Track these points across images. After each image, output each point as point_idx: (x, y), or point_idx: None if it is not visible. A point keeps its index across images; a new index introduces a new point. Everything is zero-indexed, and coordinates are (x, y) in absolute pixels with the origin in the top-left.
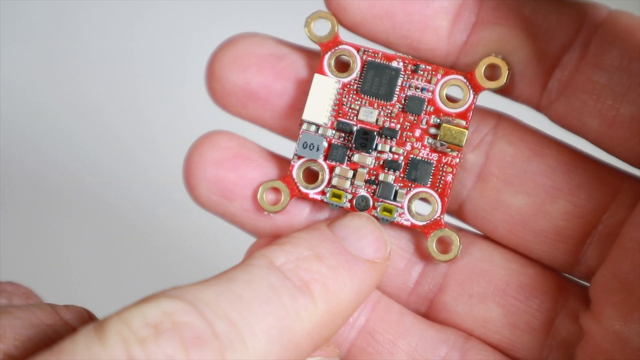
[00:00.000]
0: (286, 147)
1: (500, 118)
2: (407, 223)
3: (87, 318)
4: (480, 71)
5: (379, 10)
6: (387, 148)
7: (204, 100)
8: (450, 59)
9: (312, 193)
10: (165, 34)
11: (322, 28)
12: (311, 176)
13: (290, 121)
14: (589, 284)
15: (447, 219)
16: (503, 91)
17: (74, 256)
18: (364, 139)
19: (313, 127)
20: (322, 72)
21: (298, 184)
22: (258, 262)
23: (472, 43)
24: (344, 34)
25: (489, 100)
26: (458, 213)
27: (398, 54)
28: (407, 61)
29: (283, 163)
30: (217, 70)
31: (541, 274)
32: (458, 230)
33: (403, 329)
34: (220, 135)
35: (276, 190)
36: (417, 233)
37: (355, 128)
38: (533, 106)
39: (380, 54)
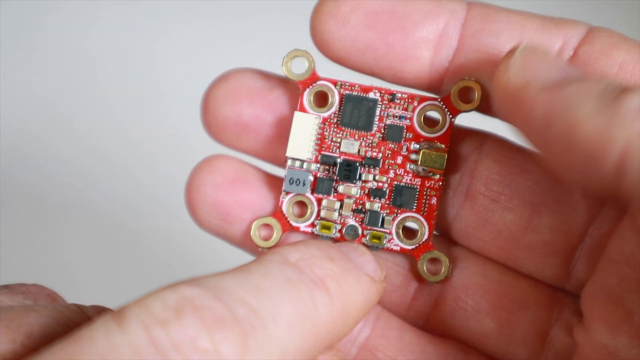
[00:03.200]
0: (282, 170)
1: (485, 137)
2: (397, 248)
3: (53, 298)
4: (455, 95)
5: (360, 44)
6: (371, 177)
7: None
8: (434, 86)
9: (303, 226)
10: (170, 51)
11: (300, 66)
12: (304, 207)
13: (282, 150)
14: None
15: (438, 239)
16: (490, 111)
17: (77, 261)
18: (347, 170)
19: (297, 163)
20: (302, 109)
21: (289, 219)
22: (273, 258)
23: (453, 71)
24: (323, 68)
25: (475, 119)
26: (448, 233)
27: (374, 85)
28: (383, 91)
29: (280, 185)
30: (211, 105)
31: (534, 287)
32: (452, 244)
33: (403, 345)
34: (218, 160)
35: (269, 226)
36: (407, 256)
37: (338, 160)
38: None
39: (357, 86)
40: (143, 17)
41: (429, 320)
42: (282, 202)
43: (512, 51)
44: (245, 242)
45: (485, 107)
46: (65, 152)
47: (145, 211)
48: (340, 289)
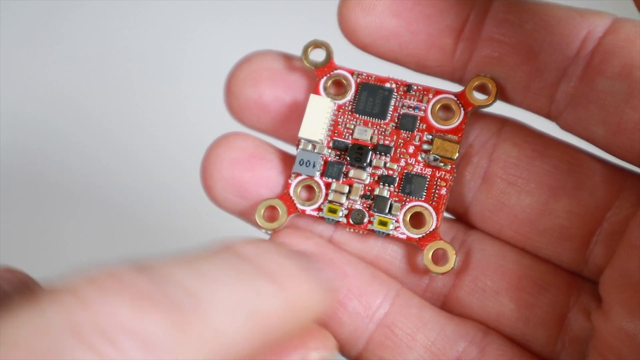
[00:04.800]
0: None
1: (504, 122)
2: (403, 236)
3: (24, 283)
4: (470, 90)
5: (385, 31)
6: (382, 163)
7: (221, 102)
8: (457, 75)
9: (309, 210)
10: (184, 35)
11: (319, 55)
12: (312, 191)
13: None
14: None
15: (454, 223)
16: (514, 101)
17: (85, 249)
18: (359, 154)
19: (310, 146)
20: (317, 94)
21: (295, 202)
22: (224, 250)
23: (476, 60)
24: (342, 60)
25: (497, 106)
26: (465, 216)
27: (390, 76)
28: (399, 83)
29: None
30: (233, 87)
31: (554, 270)
32: (468, 229)
33: (422, 322)
34: (236, 137)
35: (275, 208)
36: (414, 245)
37: (350, 145)
38: (544, 116)
39: (374, 76)
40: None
41: (446, 301)
42: (289, 184)
43: None
44: None
45: (516, 99)
46: (82, 136)
47: (160, 201)
48: (292, 286)
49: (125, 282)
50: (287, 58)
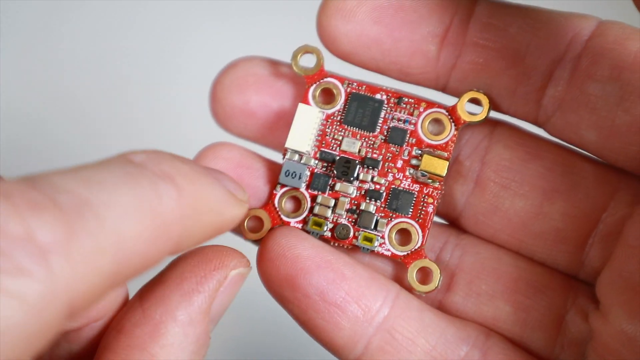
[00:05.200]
0: None
1: (495, 124)
2: (388, 253)
3: None
4: (462, 105)
5: (366, 39)
6: (369, 178)
7: (208, 112)
8: (441, 82)
9: (293, 222)
10: (183, 37)
11: (308, 61)
12: (297, 202)
13: (286, 138)
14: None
15: (447, 228)
16: (501, 108)
17: None
18: (346, 167)
19: (296, 156)
20: (306, 103)
21: (280, 213)
22: (113, 157)
23: (461, 66)
24: (332, 66)
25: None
26: (458, 221)
27: (382, 86)
28: (390, 94)
29: None
30: (219, 94)
31: (549, 272)
32: (461, 233)
33: (422, 326)
34: (222, 147)
35: (259, 218)
36: (398, 263)
37: (337, 157)
38: (531, 122)
39: (365, 86)
40: (154, 8)
41: (441, 305)
42: (274, 195)
43: None
44: None
45: (502, 107)
46: (73, 142)
47: None
48: (189, 185)
49: (9, 193)
50: (274, 64)
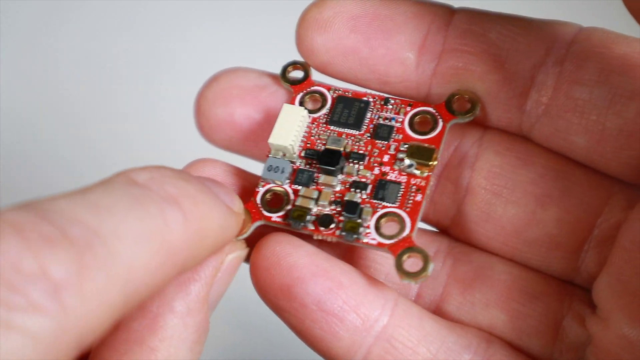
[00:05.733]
0: None
1: (484, 129)
2: (374, 242)
3: None
4: (449, 103)
5: (343, 48)
6: (355, 171)
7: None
8: (422, 90)
9: (275, 216)
10: (180, 41)
11: (297, 74)
12: (279, 199)
13: None
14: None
15: (438, 236)
16: (481, 124)
17: None
18: (329, 157)
19: (280, 154)
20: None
21: (262, 209)
22: (117, 178)
23: (441, 72)
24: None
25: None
26: (449, 229)
27: (368, 91)
28: (376, 97)
29: None
30: (203, 107)
31: (544, 279)
32: (453, 241)
33: (423, 334)
34: (204, 164)
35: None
36: (385, 252)
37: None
38: (514, 131)
39: (351, 92)
40: (143, 16)
41: (435, 314)
42: (257, 192)
43: None
44: None
45: (483, 119)
46: (61, 151)
47: None
48: (194, 208)
49: (21, 228)
50: (258, 74)
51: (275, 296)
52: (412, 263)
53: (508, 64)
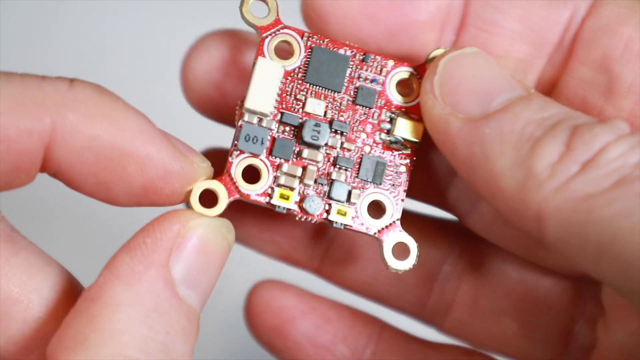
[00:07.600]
0: None
1: None
2: (362, 227)
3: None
4: (431, 63)
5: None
6: (338, 144)
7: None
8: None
9: (254, 195)
10: (170, 48)
11: (260, 10)
12: (256, 172)
13: None
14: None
15: (456, 225)
16: None
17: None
18: (316, 131)
19: (255, 119)
20: (261, 56)
21: (238, 184)
22: None
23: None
24: (289, 19)
25: None
26: (465, 218)
27: (346, 41)
28: (355, 50)
29: None
30: (188, 76)
31: (557, 283)
32: (469, 237)
33: (410, 358)
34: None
35: (212, 193)
36: (373, 238)
37: (302, 120)
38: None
39: (327, 40)
40: (143, 16)
41: (445, 320)
42: (231, 163)
43: (434, 62)
44: None
45: None
46: None
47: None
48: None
49: None
50: (237, 35)
51: (270, 337)
52: (399, 251)
53: None
